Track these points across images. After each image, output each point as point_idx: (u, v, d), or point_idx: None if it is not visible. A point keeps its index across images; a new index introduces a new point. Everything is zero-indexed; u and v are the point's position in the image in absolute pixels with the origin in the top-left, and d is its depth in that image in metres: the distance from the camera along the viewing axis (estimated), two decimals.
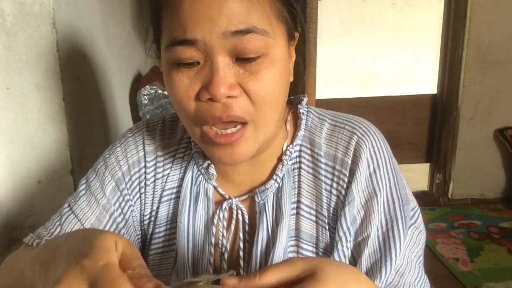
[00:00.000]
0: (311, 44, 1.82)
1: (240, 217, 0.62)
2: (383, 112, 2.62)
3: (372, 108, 2.59)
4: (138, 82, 1.79)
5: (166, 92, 1.68)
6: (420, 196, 2.58)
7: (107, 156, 0.67)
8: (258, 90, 0.51)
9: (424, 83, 3.11)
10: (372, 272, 0.56)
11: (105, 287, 0.32)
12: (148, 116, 1.69)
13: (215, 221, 0.62)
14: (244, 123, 0.53)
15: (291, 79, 0.59)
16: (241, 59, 0.51)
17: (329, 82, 3.00)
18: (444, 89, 2.64)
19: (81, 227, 0.63)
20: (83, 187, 0.66)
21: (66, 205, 0.65)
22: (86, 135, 1.15)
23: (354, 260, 0.58)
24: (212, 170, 0.63)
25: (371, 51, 3.31)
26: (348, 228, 0.58)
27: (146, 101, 1.69)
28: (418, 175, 2.79)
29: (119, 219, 0.64)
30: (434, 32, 2.90)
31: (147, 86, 1.69)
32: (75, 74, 1.09)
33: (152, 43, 0.59)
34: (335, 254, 0.58)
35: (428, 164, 2.78)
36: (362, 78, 3.35)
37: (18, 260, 0.56)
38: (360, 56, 3.32)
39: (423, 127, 2.72)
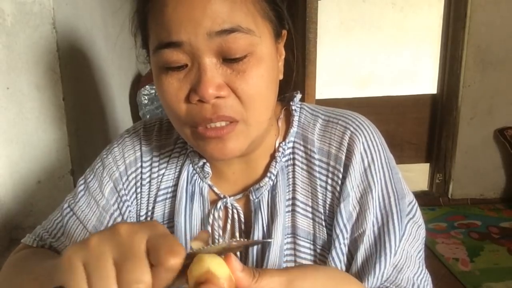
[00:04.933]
0: (311, 44, 1.82)
1: (235, 216, 0.62)
2: (383, 112, 2.62)
3: (372, 108, 2.59)
4: (138, 82, 1.79)
5: None
6: (420, 196, 2.58)
7: (105, 156, 0.67)
8: (246, 89, 0.51)
9: (424, 83, 3.12)
10: (368, 268, 0.56)
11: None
12: (148, 116, 1.69)
13: (211, 221, 0.62)
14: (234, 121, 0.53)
15: (281, 76, 0.59)
16: (228, 59, 0.51)
17: (329, 82, 3.00)
18: (444, 89, 2.63)
19: (83, 228, 0.63)
20: (81, 187, 0.66)
21: (66, 205, 0.65)
22: (86, 135, 1.15)
23: (352, 256, 0.58)
24: (207, 168, 0.63)
25: (371, 51, 3.32)
26: (344, 225, 0.58)
27: (146, 101, 1.69)
28: (418, 175, 2.79)
29: (118, 219, 0.64)
30: (434, 32, 2.91)
31: (147, 86, 1.69)
32: (75, 74, 1.09)
33: (141, 48, 0.59)
34: (333, 252, 0.58)
35: (428, 164, 2.78)
36: (362, 78, 3.36)
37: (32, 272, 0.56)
38: (360, 56, 3.32)
39: (423, 127, 2.72)
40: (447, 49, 2.58)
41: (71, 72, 1.06)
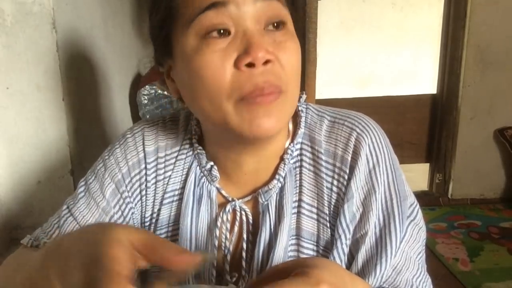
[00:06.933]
0: (311, 44, 1.82)
1: (244, 218, 0.61)
2: (383, 112, 2.61)
3: (372, 108, 2.58)
4: (138, 82, 1.79)
5: (166, 92, 1.68)
6: (420, 196, 2.57)
7: (106, 157, 0.66)
8: (287, 59, 0.53)
9: (424, 83, 3.12)
10: (368, 268, 0.56)
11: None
12: (148, 116, 1.69)
13: (219, 224, 0.61)
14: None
15: None
16: (270, 25, 0.53)
17: (329, 82, 3.00)
18: (444, 89, 2.63)
19: None
20: (82, 189, 0.65)
21: (64, 207, 0.64)
22: (86, 135, 1.15)
23: (352, 256, 0.58)
24: (215, 171, 0.62)
25: (371, 51, 3.32)
26: (347, 226, 0.58)
27: (146, 101, 1.69)
28: (418, 175, 2.79)
29: (119, 222, 0.64)
30: (434, 32, 2.90)
31: (147, 86, 1.69)
32: (75, 74, 1.09)
33: (161, 37, 0.57)
34: (335, 252, 0.58)
35: (428, 164, 2.78)
36: (362, 78, 3.36)
37: (21, 265, 0.55)
38: (360, 56, 3.32)
39: (423, 127, 2.72)
40: (447, 49, 2.58)
41: (71, 72, 1.06)
